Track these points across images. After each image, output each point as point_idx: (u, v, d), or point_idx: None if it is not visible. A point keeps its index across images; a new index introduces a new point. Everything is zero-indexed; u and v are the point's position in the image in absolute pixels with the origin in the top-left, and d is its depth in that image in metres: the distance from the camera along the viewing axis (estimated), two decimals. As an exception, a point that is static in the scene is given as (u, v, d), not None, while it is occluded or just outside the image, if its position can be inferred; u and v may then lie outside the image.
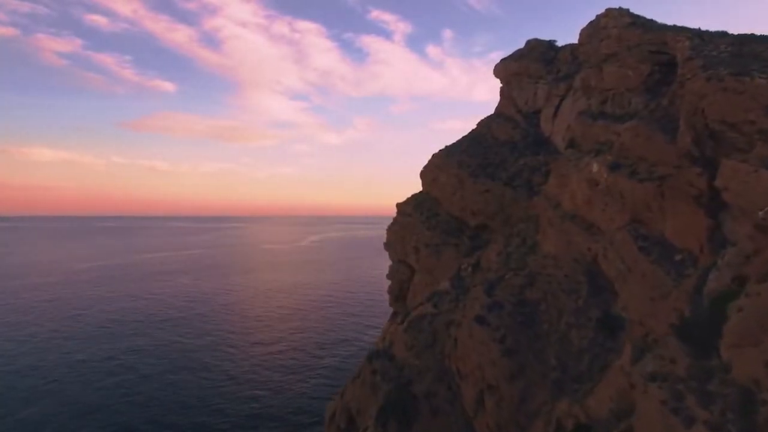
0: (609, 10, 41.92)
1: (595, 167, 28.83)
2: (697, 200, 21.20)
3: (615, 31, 35.70)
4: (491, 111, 62.40)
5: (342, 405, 27.08)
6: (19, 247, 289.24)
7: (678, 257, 21.13)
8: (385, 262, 62.98)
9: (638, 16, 38.76)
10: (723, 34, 25.72)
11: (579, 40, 52.10)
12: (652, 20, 37.68)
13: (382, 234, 57.78)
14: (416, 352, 27.02)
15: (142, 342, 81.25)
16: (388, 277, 50.10)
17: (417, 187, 56.33)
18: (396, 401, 24.69)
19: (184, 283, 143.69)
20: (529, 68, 54.78)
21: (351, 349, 78.35)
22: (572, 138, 34.95)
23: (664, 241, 22.72)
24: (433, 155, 54.78)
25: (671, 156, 23.85)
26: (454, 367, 24.77)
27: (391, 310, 53.81)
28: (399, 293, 48.08)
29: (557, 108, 47.42)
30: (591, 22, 49.53)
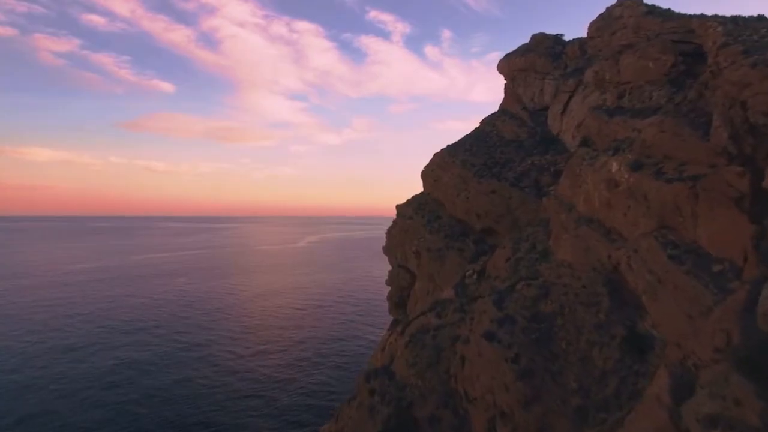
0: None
1: (614, 166, 26.35)
2: (738, 203, 18.69)
3: (632, 20, 33.26)
4: (490, 111, 60.11)
5: (336, 430, 24.57)
6: (16, 247, 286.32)
7: (717, 268, 18.61)
8: (384, 264, 61.14)
9: (654, 6, 36.33)
10: (760, 18, 23.29)
11: (588, 33, 49.71)
12: (669, 9, 35.25)
13: (380, 235, 56.54)
14: (418, 371, 24.48)
15: (139, 346, 79.40)
16: (388, 282, 47.57)
17: (416, 188, 53.95)
18: (396, 427, 22.17)
19: (181, 285, 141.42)
20: (536, 63, 52.36)
21: (351, 351, 77.21)
22: (586, 135, 32.45)
23: (698, 249, 20.20)
24: (435, 154, 52.30)
25: (703, 154, 21.38)
26: (461, 390, 22.24)
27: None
28: (399, 300, 45.57)
29: (566, 105, 44.97)
30: (601, 14, 47.13)
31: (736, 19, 23.54)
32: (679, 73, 27.62)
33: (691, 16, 28.31)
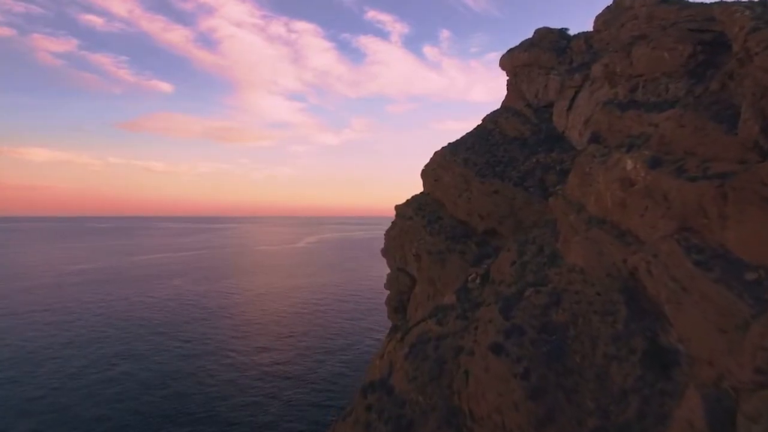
0: (632, -10, 37.63)
1: (629, 164, 24.50)
2: (773, 204, 16.86)
3: (644, 10, 31.41)
4: (488, 111, 58.21)
5: (330, 450, 22.75)
6: (16, 247, 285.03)
7: (751, 276, 16.71)
8: (383, 265, 60.10)
9: (667, -5, 34.44)
10: (790, 2, 21.45)
11: (594, 27, 47.99)
12: (682, -1, 33.37)
13: (379, 235, 55.99)
14: (419, 385, 22.62)
15: (140, 347, 78.78)
16: (387, 286, 45.67)
17: (416, 188, 52.16)
18: (395, 448, 20.29)
19: (182, 285, 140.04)
20: (540, 58, 50.51)
21: (351, 354, 76.50)
22: (596, 131, 30.61)
23: (726, 254, 18.31)
24: (436, 153, 50.43)
25: (731, 149, 19.54)
26: (466, 408, 20.38)
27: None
28: (398, 305, 43.73)
29: (572, 100, 43.12)
30: (608, 7, 45.38)
31: (765, 2, 21.68)
32: (698, 64, 25.79)
33: (710, 3, 26.48)
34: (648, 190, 22.66)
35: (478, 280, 34.27)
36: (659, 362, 18.04)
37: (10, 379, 62.79)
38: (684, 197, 20.34)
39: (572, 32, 54.01)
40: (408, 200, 50.10)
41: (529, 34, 57.37)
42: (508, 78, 57.56)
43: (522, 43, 55.62)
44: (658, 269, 20.13)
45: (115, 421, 50.70)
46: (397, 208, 49.62)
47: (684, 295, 18.27)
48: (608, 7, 45.35)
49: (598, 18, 47.17)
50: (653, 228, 21.99)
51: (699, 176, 19.97)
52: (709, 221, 19.35)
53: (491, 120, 52.87)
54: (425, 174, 50.33)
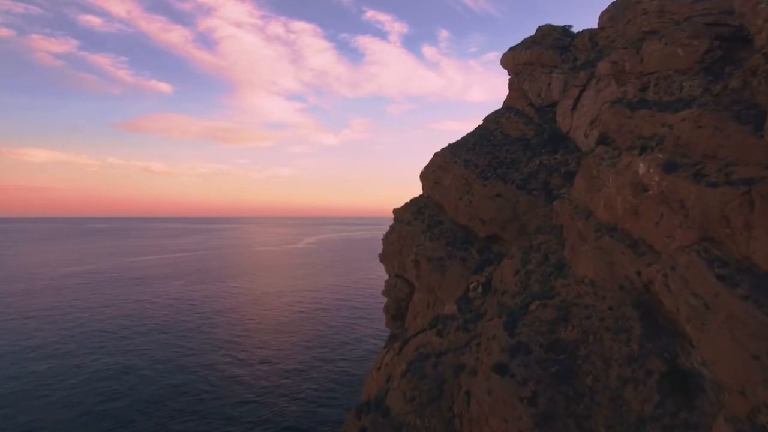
0: (641, -17, 35.93)
1: (641, 168, 22.86)
2: (808, 213, 15.27)
3: (654, 4, 29.72)
4: (487, 112, 56.56)
5: (321, 478, 21.16)
6: (17, 248, 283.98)
7: (783, 293, 15.11)
8: (382, 266, 59.06)
9: (678, -11, 32.78)
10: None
11: (599, 23, 46.34)
12: (695, -8, 31.67)
13: (379, 235, 54.92)
14: (418, 407, 21.02)
15: (143, 346, 78.23)
16: (384, 293, 44.01)
17: (415, 190, 50.52)
18: (391, 477, 18.67)
19: (181, 287, 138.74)
20: (542, 57, 48.84)
21: (352, 354, 75.20)
22: (604, 132, 28.98)
23: (752, 267, 16.70)
24: (436, 154, 48.70)
25: (757, 152, 17.91)
26: (468, 435, 18.72)
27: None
28: (397, 312, 42.07)
29: (577, 100, 41.46)
30: (614, 2, 43.69)
31: (791, -7, 20.03)
32: (715, 60, 24.15)
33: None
34: (663, 196, 21.02)
35: (479, 289, 32.67)
36: (680, 388, 16.40)
37: (18, 380, 62.45)
38: (704, 204, 18.70)
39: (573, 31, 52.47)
40: (407, 203, 48.43)
41: (528, 34, 55.83)
42: (509, 77, 55.89)
43: (524, 41, 53.93)
44: (676, 283, 18.47)
45: (119, 420, 50.74)
46: (396, 211, 47.94)
47: (707, 313, 16.62)
48: (614, 2, 43.69)
49: (603, 14, 45.51)
50: (670, 237, 20.33)
51: (721, 182, 18.34)
52: (732, 231, 17.71)
53: (493, 120, 51.20)
54: (424, 176, 48.62)
